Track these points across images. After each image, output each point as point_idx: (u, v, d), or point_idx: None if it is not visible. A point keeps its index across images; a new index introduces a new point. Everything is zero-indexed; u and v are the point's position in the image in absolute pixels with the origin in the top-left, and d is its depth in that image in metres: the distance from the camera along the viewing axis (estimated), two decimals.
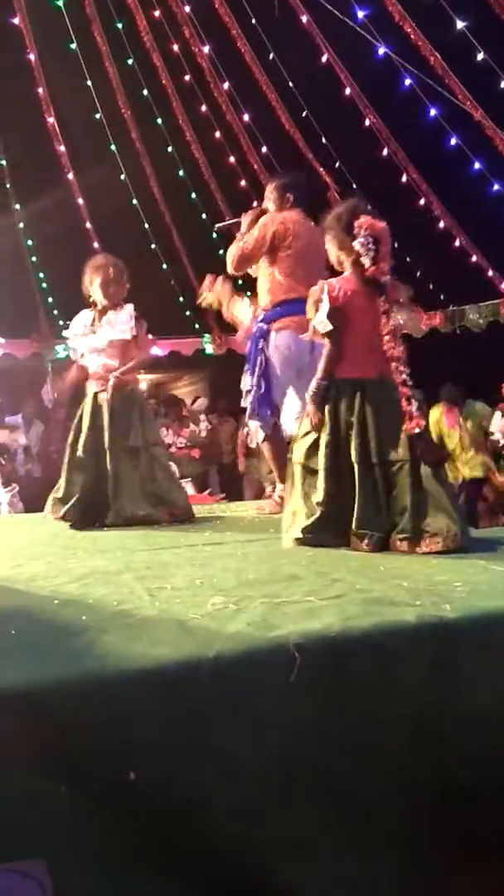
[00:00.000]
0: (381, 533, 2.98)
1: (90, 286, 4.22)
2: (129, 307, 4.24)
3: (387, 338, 3.00)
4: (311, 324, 3.17)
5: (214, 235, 9.44)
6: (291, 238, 4.21)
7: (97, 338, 4.14)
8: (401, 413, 2.98)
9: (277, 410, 4.32)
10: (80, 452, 4.11)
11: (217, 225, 4.76)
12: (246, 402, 4.35)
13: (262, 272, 4.34)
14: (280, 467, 4.26)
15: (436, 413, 7.21)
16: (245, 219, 4.49)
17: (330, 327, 3.04)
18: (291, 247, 4.21)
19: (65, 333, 4.31)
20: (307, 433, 3.16)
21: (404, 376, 2.97)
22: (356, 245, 3.00)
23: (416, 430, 2.92)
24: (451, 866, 1.84)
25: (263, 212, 4.47)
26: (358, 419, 3.02)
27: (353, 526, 3.00)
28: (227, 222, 4.70)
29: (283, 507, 3.37)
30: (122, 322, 4.17)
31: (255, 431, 4.43)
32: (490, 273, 8.27)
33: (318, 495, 3.07)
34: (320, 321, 3.07)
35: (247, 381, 4.36)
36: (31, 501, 6.11)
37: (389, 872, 1.79)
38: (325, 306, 3.04)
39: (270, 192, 4.43)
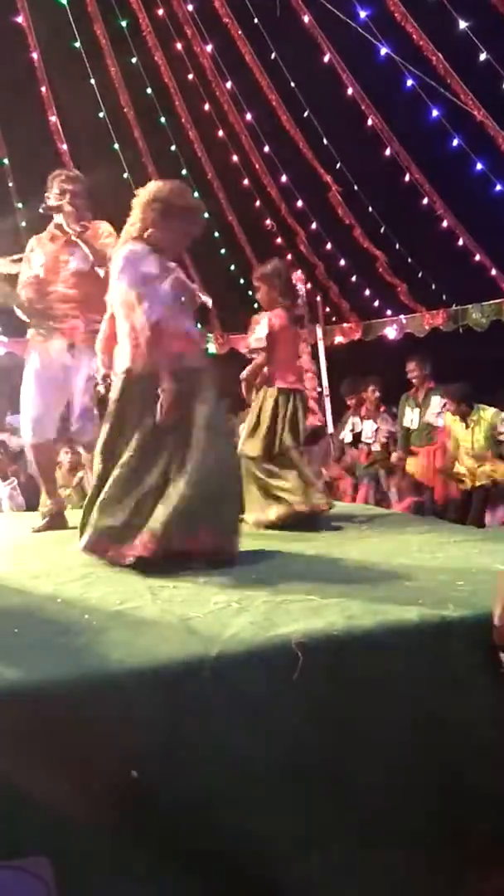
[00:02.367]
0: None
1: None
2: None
3: (304, 357, 4.23)
4: (248, 341, 4.16)
5: (216, 234, 9.46)
6: None
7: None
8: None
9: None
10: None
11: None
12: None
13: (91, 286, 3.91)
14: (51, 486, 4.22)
15: (448, 419, 7.09)
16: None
17: (264, 344, 4.01)
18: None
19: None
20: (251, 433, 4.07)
21: (312, 383, 4.34)
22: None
23: (317, 423, 4.54)
24: (458, 862, 1.84)
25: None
26: (281, 417, 3.96)
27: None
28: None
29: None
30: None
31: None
32: (493, 272, 8.24)
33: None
34: (257, 339, 4.04)
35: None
36: (32, 500, 6.11)
37: (396, 868, 1.79)
38: (262, 329, 4.01)
39: (82, 189, 4.03)
